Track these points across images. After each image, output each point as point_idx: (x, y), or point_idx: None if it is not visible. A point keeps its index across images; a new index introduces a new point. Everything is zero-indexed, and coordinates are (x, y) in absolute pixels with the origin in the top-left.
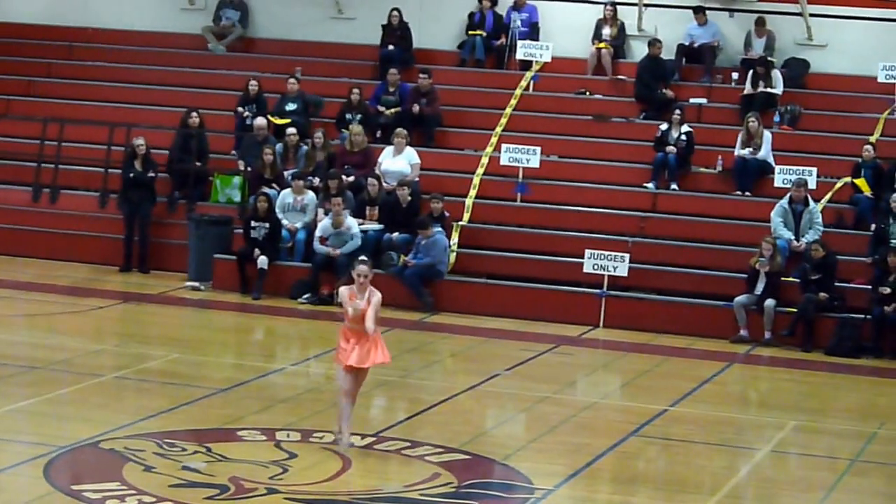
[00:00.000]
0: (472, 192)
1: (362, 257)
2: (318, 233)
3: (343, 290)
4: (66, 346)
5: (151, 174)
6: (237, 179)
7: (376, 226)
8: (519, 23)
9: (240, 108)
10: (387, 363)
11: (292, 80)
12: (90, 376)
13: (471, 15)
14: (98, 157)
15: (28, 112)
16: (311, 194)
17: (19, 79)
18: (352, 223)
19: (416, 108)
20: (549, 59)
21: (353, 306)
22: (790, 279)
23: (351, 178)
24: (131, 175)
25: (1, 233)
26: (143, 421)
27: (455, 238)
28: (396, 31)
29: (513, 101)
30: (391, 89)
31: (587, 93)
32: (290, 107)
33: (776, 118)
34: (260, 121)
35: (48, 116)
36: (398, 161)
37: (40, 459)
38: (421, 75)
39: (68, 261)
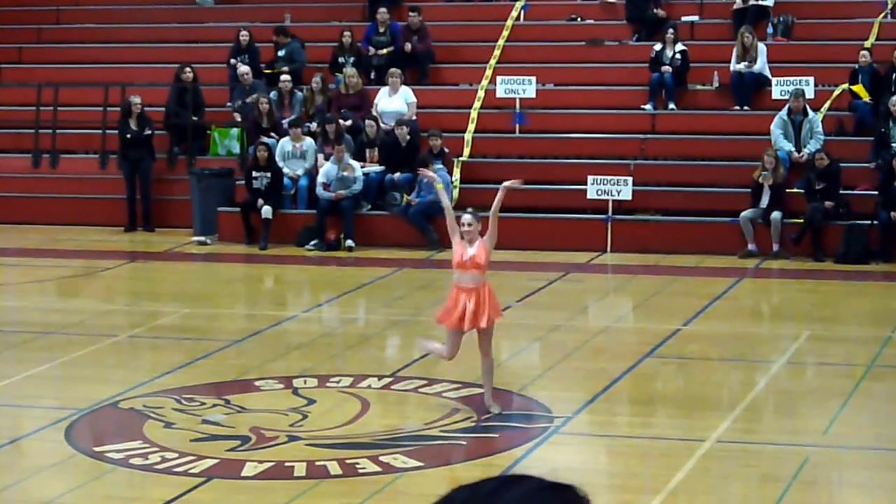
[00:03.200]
0: (471, 127)
1: (469, 209)
2: (320, 178)
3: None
4: (78, 309)
5: (148, 131)
6: (235, 131)
7: (377, 167)
8: None
9: (232, 60)
10: (494, 321)
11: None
12: (104, 337)
13: None
14: (95, 118)
15: (21, 79)
16: (309, 140)
17: (9, 46)
18: (355, 166)
19: (408, 46)
20: None
21: (463, 252)
22: (794, 190)
23: (348, 122)
24: (128, 135)
25: (3, 201)
26: (161, 378)
27: (456, 173)
28: None
29: (505, 33)
30: (381, 29)
31: (578, 18)
32: (280, 53)
33: (769, 30)
34: (243, 68)
35: (42, 82)
36: (394, 101)
37: (61, 423)
38: (411, 13)
39: (73, 224)
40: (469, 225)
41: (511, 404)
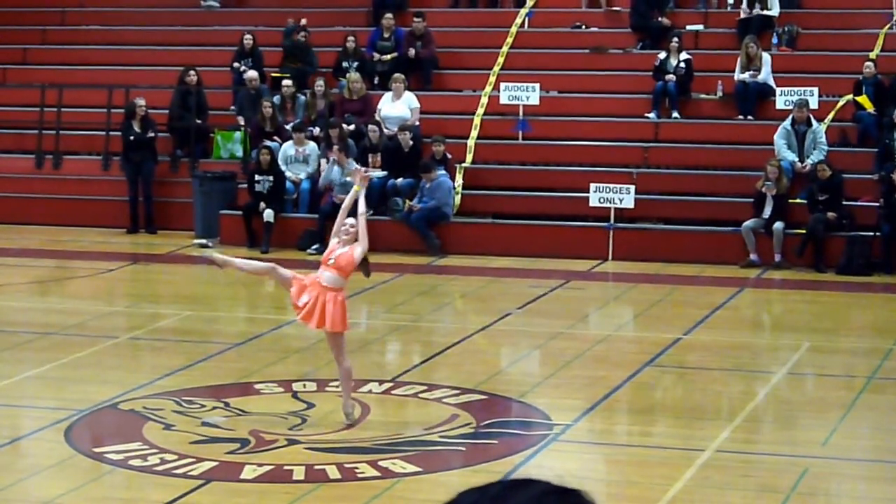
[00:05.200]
0: (474, 133)
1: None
2: (322, 182)
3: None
4: (79, 310)
5: (151, 134)
6: (238, 134)
7: (380, 172)
8: None
9: (236, 63)
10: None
11: (303, 34)
12: (104, 339)
13: None
14: (98, 120)
15: (25, 80)
16: (312, 144)
17: (14, 47)
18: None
19: (412, 52)
20: None
21: (331, 256)
22: (797, 201)
23: (351, 126)
24: (131, 137)
25: (6, 201)
26: (161, 380)
27: (459, 179)
28: None
29: (509, 39)
30: (386, 35)
31: (583, 26)
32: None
33: (774, 40)
34: (251, 73)
35: (45, 83)
36: (398, 106)
37: (61, 424)
38: (415, 19)
39: (75, 226)
40: (352, 227)
41: (510, 411)
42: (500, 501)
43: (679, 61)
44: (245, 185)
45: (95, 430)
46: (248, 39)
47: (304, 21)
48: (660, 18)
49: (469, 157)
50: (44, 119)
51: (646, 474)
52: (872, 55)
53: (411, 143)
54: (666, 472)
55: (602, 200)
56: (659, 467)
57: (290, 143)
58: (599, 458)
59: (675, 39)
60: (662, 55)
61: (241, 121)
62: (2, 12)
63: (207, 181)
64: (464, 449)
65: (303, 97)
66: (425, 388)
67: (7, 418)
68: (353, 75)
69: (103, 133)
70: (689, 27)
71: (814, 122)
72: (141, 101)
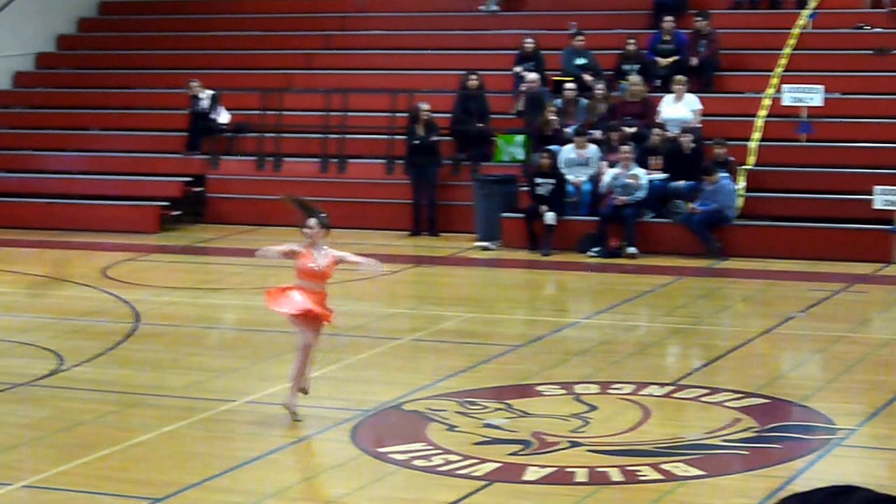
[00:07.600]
0: (756, 135)
1: (321, 214)
2: (603, 185)
3: (293, 246)
4: (362, 312)
5: (434, 138)
6: (519, 138)
7: (660, 175)
8: None
9: (517, 67)
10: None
11: (580, 37)
12: (387, 340)
13: None
14: (381, 124)
15: (309, 85)
16: (593, 147)
17: (298, 53)
18: (639, 173)
19: (693, 60)
20: None
21: (313, 263)
22: None
23: (632, 129)
24: (415, 141)
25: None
26: (443, 381)
27: (741, 182)
28: None
29: (791, 41)
30: (667, 38)
31: (866, 27)
32: (580, 61)
33: None
34: (532, 76)
35: (330, 87)
36: (679, 108)
37: (346, 424)
38: (697, 18)
39: (359, 228)
40: (311, 227)
41: (792, 415)
42: None
43: None
44: (526, 188)
45: (380, 431)
46: (528, 43)
47: (573, 24)
48: None
49: (751, 160)
50: (329, 123)
51: None
52: None
53: (692, 145)
54: None
55: (886, 203)
56: None
57: (570, 146)
58: (883, 463)
59: None
60: None
61: (523, 124)
62: (287, 19)
63: (489, 184)
64: (746, 453)
65: (584, 100)
66: (707, 391)
67: None
68: (634, 78)
69: (387, 137)
70: None
71: None
72: (425, 106)
